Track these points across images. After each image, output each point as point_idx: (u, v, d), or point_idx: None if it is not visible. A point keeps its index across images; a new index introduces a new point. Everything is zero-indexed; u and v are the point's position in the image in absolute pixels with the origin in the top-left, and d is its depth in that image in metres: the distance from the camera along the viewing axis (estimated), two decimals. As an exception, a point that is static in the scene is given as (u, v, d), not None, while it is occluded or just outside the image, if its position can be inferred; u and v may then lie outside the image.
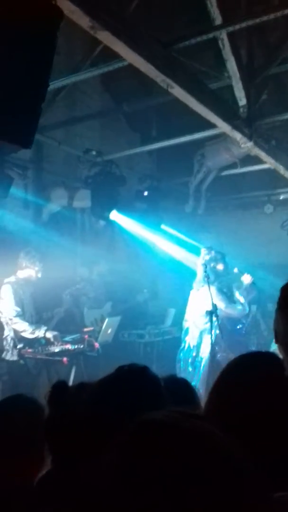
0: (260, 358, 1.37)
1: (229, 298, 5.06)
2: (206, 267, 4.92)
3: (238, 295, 5.11)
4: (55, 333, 4.75)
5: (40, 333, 4.67)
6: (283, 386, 1.14)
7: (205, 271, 4.88)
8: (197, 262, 5.30)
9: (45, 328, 4.74)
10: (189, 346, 5.08)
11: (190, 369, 4.97)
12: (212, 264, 5.11)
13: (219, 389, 1.20)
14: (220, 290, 4.98)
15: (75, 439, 1.14)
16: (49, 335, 4.69)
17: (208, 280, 4.82)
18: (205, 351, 4.92)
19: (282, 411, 1.06)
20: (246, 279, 5.20)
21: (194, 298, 5.16)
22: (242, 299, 5.08)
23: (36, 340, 4.71)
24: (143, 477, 0.55)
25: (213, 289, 4.87)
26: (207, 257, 5.16)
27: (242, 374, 1.22)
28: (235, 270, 5.30)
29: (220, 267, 5.14)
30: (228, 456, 0.59)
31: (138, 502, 0.54)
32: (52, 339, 4.68)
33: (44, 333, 4.69)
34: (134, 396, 1.15)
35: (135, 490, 0.55)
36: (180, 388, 1.81)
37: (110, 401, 1.15)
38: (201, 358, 4.92)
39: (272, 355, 1.42)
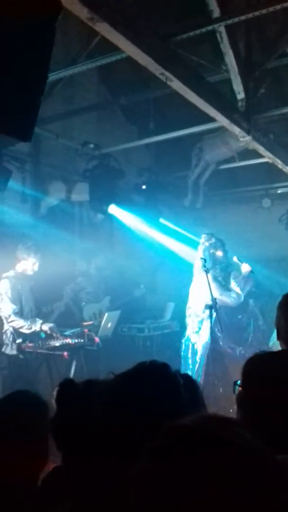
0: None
1: (224, 286, 5.05)
2: (205, 261, 4.92)
3: (234, 284, 5.10)
4: (51, 325, 4.76)
5: (36, 327, 4.68)
6: None
7: (204, 266, 4.88)
8: (198, 248, 5.29)
9: (40, 321, 4.75)
10: (188, 336, 5.10)
11: (189, 357, 5.00)
12: (211, 251, 5.09)
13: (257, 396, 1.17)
14: (215, 278, 4.95)
15: (88, 437, 1.12)
16: (45, 327, 4.70)
17: (206, 273, 4.81)
18: (203, 339, 4.92)
19: None
20: (245, 268, 5.17)
21: (194, 285, 5.17)
22: (238, 289, 5.07)
23: (36, 334, 4.72)
24: (177, 485, 0.55)
25: (204, 275, 4.87)
26: (207, 244, 5.16)
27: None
28: (235, 258, 5.28)
29: (219, 253, 5.13)
30: (263, 466, 0.58)
31: (171, 510, 0.54)
32: (48, 331, 4.68)
33: (40, 327, 4.69)
34: (155, 394, 1.11)
35: (168, 498, 0.54)
36: (184, 384, 1.81)
37: (130, 399, 1.09)
38: (200, 346, 4.93)
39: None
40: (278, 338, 1.71)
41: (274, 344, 4.97)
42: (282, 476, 0.58)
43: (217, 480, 0.55)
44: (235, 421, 0.67)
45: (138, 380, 1.15)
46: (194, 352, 4.97)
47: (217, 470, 0.55)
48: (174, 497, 0.55)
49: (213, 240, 5.18)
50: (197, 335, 4.98)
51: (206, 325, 4.91)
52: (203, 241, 5.22)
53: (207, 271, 4.82)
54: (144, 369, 1.18)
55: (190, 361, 4.97)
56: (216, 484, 0.54)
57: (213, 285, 4.85)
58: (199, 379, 4.54)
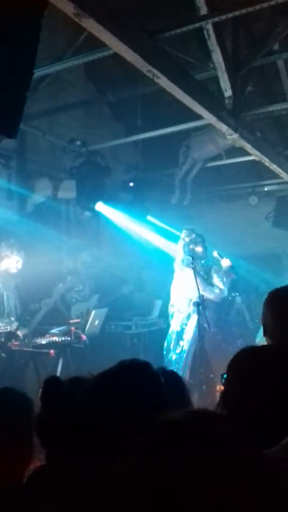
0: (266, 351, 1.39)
1: (206, 281, 5.06)
2: (193, 258, 4.93)
3: (216, 280, 5.12)
4: (26, 331, 4.72)
5: (12, 328, 4.65)
6: None
7: (192, 263, 4.90)
8: (178, 243, 5.29)
9: (17, 324, 4.71)
10: (172, 332, 5.10)
11: (173, 355, 5.00)
12: (191, 246, 5.11)
13: (241, 386, 1.18)
14: (197, 274, 4.97)
15: (71, 435, 1.12)
16: (19, 332, 4.67)
17: (194, 269, 4.83)
18: (189, 335, 4.93)
19: None
20: (225, 263, 5.18)
21: (176, 281, 5.16)
22: (221, 284, 5.08)
23: (12, 334, 4.67)
24: (165, 481, 0.54)
25: (190, 271, 4.88)
26: (187, 239, 5.16)
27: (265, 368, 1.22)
28: (215, 254, 5.29)
29: (199, 249, 5.14)
30: (251, 461, 0.58)
31: (162, 505, 0.53)
32: (21, 337, 4.64)
33: (16, 330, 4.66)
34: (135, 392, 1.11)
35: (156, 493, 0.54)
36: (169, 381, 1.81)
37: (110, 397, 1.10)
38: (186, 343, 4.94)
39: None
40: (264, 334, 1.73)
41: (261, 341, 5.03)
42: (270, 470, 0.59)
43: (206, 475, 0.54)
44: (223, 416, 0.67)
45: (119, 378, 1.16)
46: (179, 347, 4.98)
47: (206, 465, 0.55)
48: (162, 492, 0.54)
49: (193, 235, 5.19)
50: (183, 331, 5.00)
51: (192, 321, 4.92)
52: (183, 236, 5.23)
53: (194, 268, 4.83)
54: (124, 367, 1.19)
55: (173, 356, 4.97)
56: (205, 479, 0.54)
57: (193, 280, 4.86)
58: (185, 375, 4.55)
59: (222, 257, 5.21)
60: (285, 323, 1.65)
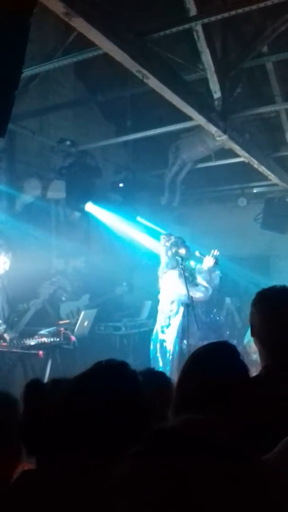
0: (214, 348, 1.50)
1: (191, 282, 5.08)
2: (182, 259, 4.94)
3: (200, 279, 5.13)
4: (13, 335, 4.69)
5: None
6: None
7: (181, 264, 4.90)
8: (159, 250, 5.29)
9: (4, 326, 4.68)
10: (156, 333, 5.11)
11: (158, 355, 5.00)
12: (173, 250, 5.10)
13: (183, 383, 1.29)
14: (181, 275, 4.96)
15: (53, 440, 1.11)
16: (6, 336, 4.64)
17: (183, 270, 4.84)
18: (171, 336, 4.93)
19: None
20: (208, 261, 5.17)
21: (161, 286, 5.17)
22: (204, 282, 5.08)
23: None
24: (159, 490, 0.54)
25: (174, 273, 4.87)
26: (168, 244, 5.16)
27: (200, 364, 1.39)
28: (197, 253, 5.29)
29: (182, 251, 5.14)
30: (247, 469, 0.58)
31: None
32: (7, 340, 4.61)
33: (3, 333, 4.63)
34: (111, 392, 1.12)
35: (151, 502, 0.54)
36: (157, 381, 1.81)
37: (87, 398, 1.10)
38: (170, 344, 4.95)
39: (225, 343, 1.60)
40: (252, 334, 1.73)
41: (249, 341, 5.05)
42: (265, 477, 0.58)
43: (200, 484, 0.54)
44: (219, 423, 0.66)
45: (94, 379, 1.16)
46: (164, 352, 4.98)
47: (201, 473, 0.55)
48: (157, 501, 0.54)
49: (172, 238, 5.19)
50: (165, 332, 5.01)
51: (175, 322, 4.93)
52: (163, 242, 5.21)
53: (183, 268, 4.84)
54: (100, 368, 1.19)
55: (161, 362, 4.98)
56: (200, 487, 0.54)
57: (180, 281, 4.88)
58: (173, 377, 4.54)
59: (204, 255, 5.22)
60: (273, 323, 1.65)
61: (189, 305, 4.75)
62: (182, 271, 4.83)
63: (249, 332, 1.80)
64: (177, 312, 4.93)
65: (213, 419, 0.66)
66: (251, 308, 1.74)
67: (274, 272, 8.09)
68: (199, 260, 5.27)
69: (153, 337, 5.12)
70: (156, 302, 5.35)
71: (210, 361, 1.49)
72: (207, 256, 5.17)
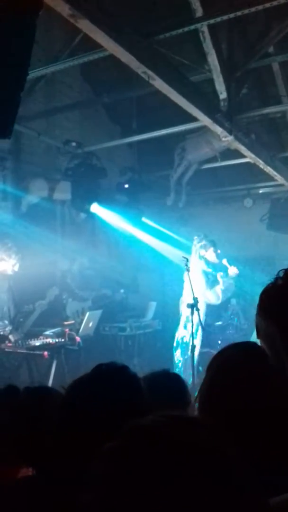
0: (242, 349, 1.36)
1: (212, 284, 5.15)
2: (187, 260, 4.95)
3: (220, 285, 5.20)
4: (18, 336, 4.70)
5: (4, 332, 4.63)
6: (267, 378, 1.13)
7: (186, 265, 4.90)
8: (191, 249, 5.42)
9: (10, 327, 4.70)
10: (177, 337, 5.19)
11: (180, 362, 5.07)
12: (201, 252, 5.27)
13: (209, 389, 1.16)
14: (206, 275, 5.10)
15: (52, 447, 1.10)
16: (12, 337, 4.65)
17: (188, 271, 4.85)
18: (186, 339, 5.01)
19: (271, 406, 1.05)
20: (232, 271, 5.29)
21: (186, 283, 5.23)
22: (219, 291, 5.19)
23: (5, 337, 4.66)
24: (130, 488, 0.53)
25: (185, 274, 4.93)
26: (197, 245, 5.30)
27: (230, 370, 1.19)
28: (224, 261, 5.40)
29: (208, 254, 5.30)
30: (224, 467, 0.56)
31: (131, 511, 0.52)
32: (12, 341, 4.62)
33: (8, 334, 4.65)
34: (112, 396, 1.11)
35: (121, 501, 0.53)
36: (171, 383, 1.79)
37: (87, 402, 1.09)
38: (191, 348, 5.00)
39: (252, 344, 1.43)
40: (258, 336, 1.71)
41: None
42: (244, 478, 0.56)
43: (170, 484, 0.52)
44: (198, 422, 0.65)
45: (95, 382, 1.15)
46: (184, 352, 5.06)
47: (171, 473, 0.53)
48: (126, 500, 0.53)
49: (203, 241, 5.34)
50: (182, 337, 5.08)
51: (189, 329, 4.97)
52: (195, 242, 5.36)
53: (188, 270, 4.86)
54: (101, 371, 1.18)
55: (180, 364, 5.04)
56: (169, 488, 0.52)
57: (202, 280, 5.00)
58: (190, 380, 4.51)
59: (230, 265, 5.31)
60: (279, 324, 1.64)
61: (194, 306, 4.75)
62: (187, 272, 4.85)
63: (254, 333, 1.78)
64: (191, 314, 4.99)
65: (191, 418, 0.64)
66: (257, 309, 1.73)
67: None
68: (222, 268, 5.33)
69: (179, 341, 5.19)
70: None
71: (243, 371, 1.33)
72: (232, 266, 5.28)
